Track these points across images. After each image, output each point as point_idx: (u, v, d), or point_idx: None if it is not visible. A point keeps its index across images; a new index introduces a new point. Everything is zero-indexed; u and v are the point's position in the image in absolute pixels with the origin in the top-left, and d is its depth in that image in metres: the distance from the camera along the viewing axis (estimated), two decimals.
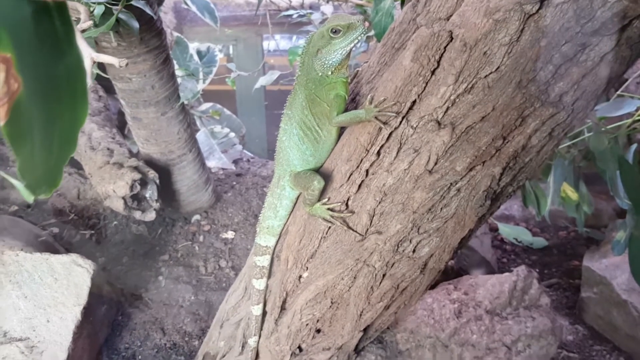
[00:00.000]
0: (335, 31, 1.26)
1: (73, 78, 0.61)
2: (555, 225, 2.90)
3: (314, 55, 1.30)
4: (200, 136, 3.89)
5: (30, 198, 0.79)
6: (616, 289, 2.22)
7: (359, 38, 1.26)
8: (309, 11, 3.41)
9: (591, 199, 2.01)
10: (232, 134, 4.08)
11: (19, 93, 0.53)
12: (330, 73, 1.30)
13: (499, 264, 2.66)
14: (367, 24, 1.25)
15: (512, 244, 2.82)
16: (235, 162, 3.99)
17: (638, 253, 1.60)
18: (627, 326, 2.25)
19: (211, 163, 3.79)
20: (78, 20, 1.28)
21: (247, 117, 5.27)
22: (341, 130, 1.39)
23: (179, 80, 2.83)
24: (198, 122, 4.08)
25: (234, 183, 3.47)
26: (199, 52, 3.74)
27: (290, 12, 3.43)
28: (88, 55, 0.96)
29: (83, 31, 1.20)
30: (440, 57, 1.15)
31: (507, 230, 2.77)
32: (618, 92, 1.78)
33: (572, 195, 1.85)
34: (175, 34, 3.83)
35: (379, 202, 1.32)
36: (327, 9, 3.32)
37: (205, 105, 4.19)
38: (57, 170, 0.70)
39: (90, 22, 1.22)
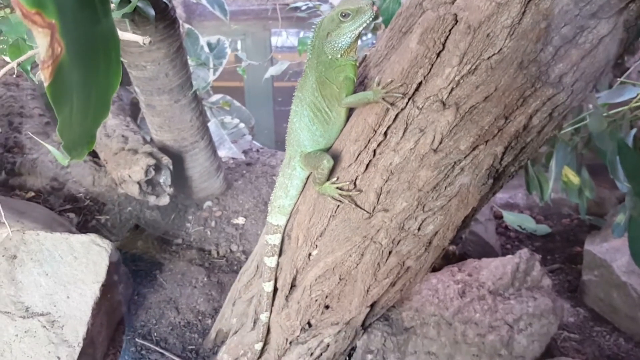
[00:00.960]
0: (344, 15, 1.30)
1: (108, 45, 0.67)
2: (558, 212, 2.94)
3: (324, 39, 1.34)
4: (211, 126, 3.93)
5: (65, 161, 0.85)
6: (616, 271, 2.26)
7: (368, 21, 1.29)
8: (318, 2, 3.44)
9: (593, 184, 2.04)
10: (242, 125, 4.13)
11: (62, 57, 0.58)
12: (339, 56, 1.34)
13: (502, 250, 2.70)
14: (375, 8, 1.29)
15: (516, 231, 2.86)
16: (245, 152, 4.04)
17: (637, 234, 1.63)
18: (626, 307, 2.29)
19: (222, 153, 3.84)
20: None
21: (256, 110, 5.30)
22: (350, 112, 1.43)
23: (191, 69, 2.88)
24: (209, 113, 4.12)
25: (244, 172, 3.52)
26: (209, 44, 3.78)
27: (299, 3, 3.47)
28: None
29: None
30: (445, 40, 1.19)
31: (511, 218, 2.81)
32: (620, 80, 1.81)
33: (574, 179, 1.89)
34: (187, 25, 3.88)
35: (386, 181, 1.36)
36: (336, 0, 3.35)
37: (216, 97, 4.23)
38: (92, 133, 0.75)
39: (112, 5, 1.27)
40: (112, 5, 1.29)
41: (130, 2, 1.68)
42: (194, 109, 2.74)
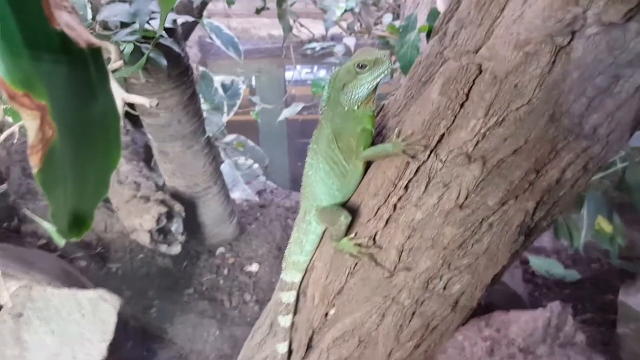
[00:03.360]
0: (361, 66, 1.25)
1: (106, 123, 0.61)
2: (587, 257, 2.82)
3: (340, 90, 1.29)
4: (225, 168, 3.92)
5: (61, 242, 0.78)
6: None
7: (385, 72, 1.25)
8: (332, 43, 3.45)
9: (624, 230, 1.94)
10: (256, 165, 4.11)
11: (53, 140, 0.53)
12: (356, 107, 1.29)
13: (530, 298, 2.58)
14: (393, 58, 1.25)
15: (543, 277, 2.74)
16: (259, 193, 4.01)
17: None
18: None
19: (235, 194, 3.81)
20: (108, 60, 1.31)
21: (271, 148, 5.31)
22: (368, 165, 1.37)
23: (204, 114, 2.87)
24: (222, 154, 4.12)
25: (258, 215, 3.47)
26: (223, 86, 3.81)
27: (314, 44, 3.48)
28: (119, 96, 0.97)
29: (114, 71, 1.22)
30: (469, 90, 1.13)
31: (538, 263, 2.70)
32: None
33: (607, 228, 1.80)
34: (201, 68, 3.91)
35: (408, 238, 1.29)
36: (350, 41, 3.35)
37: (230, 137, 4.23)
38: (89, 213, 0.69)
39: (121, 62, 1.25)
40: (121, 63, 1.26)
41: (143, 53, 1.66)
42: (207, 154, 2.71)
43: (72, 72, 0.56)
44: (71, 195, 0.61)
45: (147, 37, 1.57)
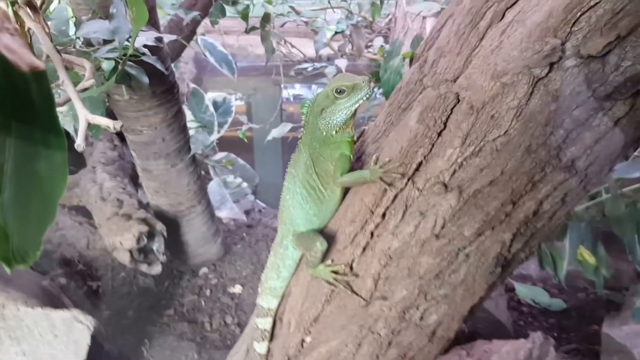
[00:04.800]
0: (339, 91, 1.24)
1: (51, 149, 0.59)
2: (573, 286, 2.79)
3: (318, 115, 1.28)
4: (213, 186, 3.88)
5: (8, 270, 0.75)
6: (637, 357, 2.10)
7: (364, 98, 1.24)
8: (323, 64, 3.45)
9: (610, 261, 1.92)
10: (245, 184, 4.08)
11: None
12: (334, 133, 1.28)
13: (515, 326, 2.55)
14: (372, 84, 1.23)
15: (529, 305, 2.71)
16: (247, 212, 3.97)
17: None
18: None
19: (222, 213, 3.77)
20: (83, 77, 1.29)
21: (264, 165, 5.29)
22: (346, 191, 1.36)
23: (191, 132, 2.85)
24: (212, 172, 4.09)
25: (244, 234, 3.43)
26: (214, 103, 3.78)
27: (305, 65, 3.48)
28: (83, 116, 0.96)
29: (85, 90, 1.20)
30: (446, 119, 1.12)
31: (524, 291, 2.67)
32: (636, 153, 1.72)
33: (590, 259, 1.78)
34: (192, 85, 3.90)
35: (384, 266, 1.27)
36: (341, 62, 3.35)
37: (220, 155, 4.20)
38: (35, 242, 0.67)
39: (93, 81, 1.23)
40: (92, 82, 1.24)
41: (124, 70, 1.64)
42: (192, 173, 2.68)
43: (11, 97, 0.54)
44: (14, 224, 0.59)
45: (131, 54, 1.56)
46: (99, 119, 0.96)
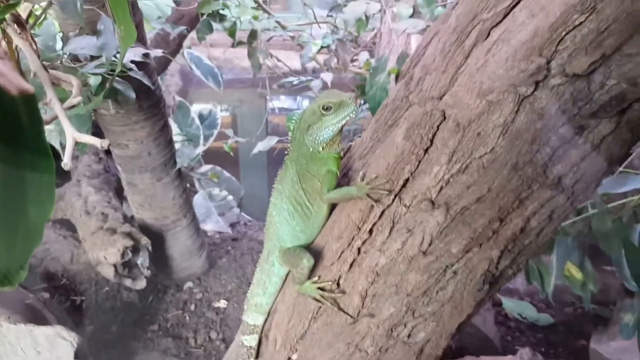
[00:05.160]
0: (326, 108, 1.25)
1: (39, 171, 0.58)
2: (561, 300, 2.80)
3: (305, 131, 1.28)
4: (198, 199, 3.85)
5: None
6: None
7: (351, 115, 1.24)
8: (309, 78, 3.46)
9: (597, 276, 1.93)
10: (230, 197, 4.05)
11: None
12: (321, 149, 1.28)
13: (502, 342, 2.55)
14: (359, 101, 1.24)
15: (516, 320, 2.71)
16: (233, 225, 3.94)
17: None
18: None
19: (207, 226, 3.74)
20: (70, 93, 1.28)
21: (249, 178, 5.27)
22: (332, 207, 1.36)
23: (177, 145, 2.83)
24: (197, 184, 4.06)
25: (229, 248, 3.41)
26: (200, 116, 3.76)
27: (291, 78, 3.49)
28: (70, 134, 0.94)
29: (72, 107, 1.19)
30: (433, 136, 1.12)
31: (511, 305, 2.67)
32: (621, 168, 1.74)
33: (577, 274, 1.78)
34: (178, 98, 3.88)
35: (372, 283, 1.26)
36: (327, 76, 3.36)
37: (205, 168, 4.17)
38: (21, 263, 0.66)
39: (80, 99, 1.22)
40: (80, 99, 1.23)
41: (111, 86, 1.63)
42: (177, 186, 2.66)
43: (0, 121, 0.53)
44: (0, 246, 0.58)
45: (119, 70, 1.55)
46: (87, 138, 0.94)
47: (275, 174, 1.41)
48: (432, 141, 1.12)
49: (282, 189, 1.36)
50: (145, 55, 1.89)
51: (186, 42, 3.42)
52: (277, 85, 3.81)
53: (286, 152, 1.37)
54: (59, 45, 1.84)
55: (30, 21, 1.20)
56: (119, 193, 3.30)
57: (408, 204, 1.17)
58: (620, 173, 1.75)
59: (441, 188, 1.13)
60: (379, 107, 1.44)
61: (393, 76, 1.69)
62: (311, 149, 1.29)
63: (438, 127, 1.11)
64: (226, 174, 4.16)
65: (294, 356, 1.46)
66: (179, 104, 3.59)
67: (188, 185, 3.52)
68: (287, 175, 1.35)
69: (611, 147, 1.06)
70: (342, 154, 1.36)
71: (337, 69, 3.37)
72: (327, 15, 3.07)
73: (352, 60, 3.26)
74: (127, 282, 2.51)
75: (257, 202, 4.92)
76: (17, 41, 1.07)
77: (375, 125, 1.39)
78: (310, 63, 3.20)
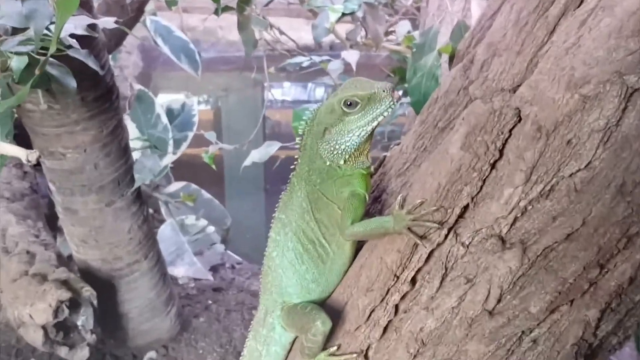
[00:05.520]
0: (350, 104, 1.27)
1: None
2: None
3: (320, 137, 1.31)
4: (165, 231, 3.91)
5: None
6: None
7: (384, 114, 1.27)
8: (325, 58, 3.49)
9: None
10: (211, 229, 4.10)
11: None
12: (342, 162, 1.31)
13: None
14: (398, 94, 1.26)
15: None
16: (214, 269, 3.98)
17: None
18: None
19: (179, 270, 3.79)
20: None
21: (239, 201, 5.31)
22: (358, 246, 1.38)
23: (135, 154, 2.87)
24: (163, 210, 4.11)
25: (210, 302, 3.44)
26: (169, 112, 3.79)
27: (298, 59, 3.51)
28: None
29: None
30: (503, 145, 1.14)
31: None
32: None
33: None
34: (137, 86, 3.92)
35: (414, 356, 1.28)
36: (351, 55, 3.38)
37: (176, 186, 4.22)
38: None
39: None
40: None
41: (41, 70, 1.66)
42: (135, 213, 2.70)
43: None
44: None
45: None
46: (7, 148, 0.97)
47: (276, 196, 1.43)
48: (501, 152, 1.14)
49: (286, 219, 1.38)
50: (92, 26, 1.92)
51: (149, 7, 3.45)
52: (278, 68, 3.86)
53: (292, 166, 1.39)
54: None
55: None
56: (52, 223, 3.34)
57: (467, 243, 1.19)
58: None
59: (515, 219, 1.14)
60: (426, 101, 1.46)
61: (446, 57, 1.71)
62: (328, 163, 1.31)
63: (510, 131, 1.13)
64: (206, 194, 4.21)
65: None
66: (138, 94, 3.62)
67: (151, 211, 3.56)
68: (294, 199, 1.37)
69: None
70: (372, 169, 1.38)
71: (365, 46, 3.41)
72: None
73: (387, 33, 3.28)
74: (62, 352, 2.54)
75: (249, 236, 4.95)
76: None
77: (420, 128, 1.42)
78: (327, 37, 3.23)
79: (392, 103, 1.26)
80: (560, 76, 1.08)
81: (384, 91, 1.26)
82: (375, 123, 1.28)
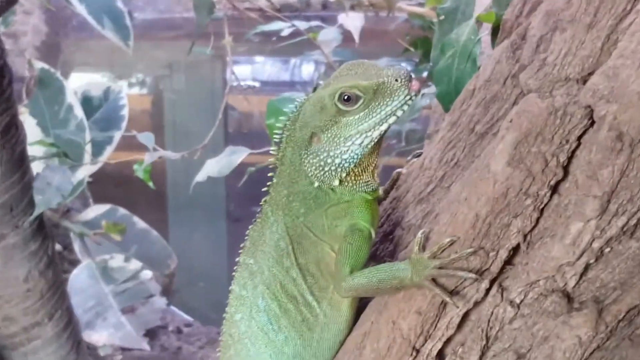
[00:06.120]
0: (348, 98, 1.28)
1: None
2: None
3: (304, 146, 1.33)
4: (80, 277, 3.90)
5: None
6: None
7: (398, 114, 1.28)
8: (314, 24, 3.49)
9: None
10: (148, 274, 4.09)
11: None
12: (337, 183, 1.32)
13: None
14: (416, 84, 1.27)
15: None
16: (152, 333, 3.99)
17: None
18: None
19: (98, 336, 3.78)
20: None
21: (188, 233, 5.28)
22: (360, 304, 1.40)
23: (36, 166, 2.87)
24: (77, 246, 4.10)
25: None
26: (86, 101, 3.79)
27: (276, 25, 3.51)
28: None
29: None
30: (569, 160, 1.15)
31: None
32: None
33: None
34: (39, 64, 3.91)
35: None
36: (352, 20, 3.38)
37: (95, 211, 4.21)
38: None
39: None
40: None
41: None
42: (36, 253, 2.71)
43: None
44: None
45: None
46: None
47: (243, 225, 1.44)
48: (566, 170, 1.15)
49: (255, 266, 1.40)
50: None
51: None
52: (246, 38, 3.85)
53: (266, 187, 1.41)
54: None
55: None
56: None
57: (518, 301, 1.20)
58: None
59: (586, 268, 1.16)
60: (459, 94, 1.48)
61: (488, 28, 1.71)
62: (317, 184, 1.33)
63: (579, 140, 1.14)
64: (140, 223, 4.21)
65: None
66: (40, 75, 3.62)
67: (59, 248, 3.55)
68: (267, 237, 1.39)
69: None
70: (381, 192, 1.39)
71: (371, 7, 3.42)
72: None
73: None
74: None
75: (204, 285, 4.94)
76: None
77: (449, 132, 1.43)
78: None
79: (408, 98, 1.27)
80: None
81: (396, 80, 1.27)
82: (383, 126, 1.29)
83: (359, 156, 1.30)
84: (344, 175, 1.32)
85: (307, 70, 6.84)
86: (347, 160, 1.30)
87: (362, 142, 1.29)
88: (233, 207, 5.58)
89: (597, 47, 1.20)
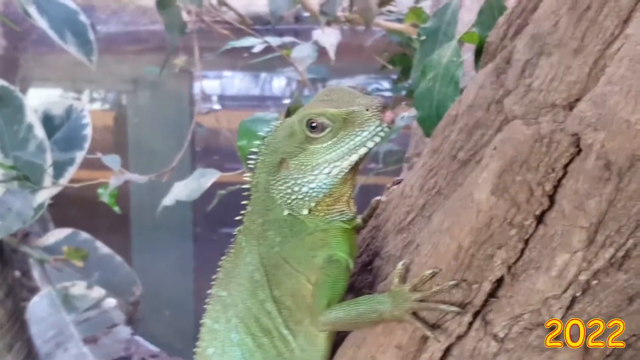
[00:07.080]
0: (315, 126, 1.29)
1: None
2: None
3: (274, 171, 1.34)
4: (40, 306, 3.87)
5: None
6: None
7: (369, 145, 1.29)
8: (288, 40, 3.49)
9: None
10: (112, 302, 4.07)
11: None
12: (305, 212, 1.33)
13: None
14: (389, 115, 1.27)
15: None
16: None
17: None
18: None
19: None
20: None
21: (154, 259, 5.25)
22: (337, 338, 1.40)
23: None
24: (36, 273, 4.08)
25: None
26: (47, 120, 3.77)
27: (246, 40, 3.50)
28: None
29: None
30: (554, 189, 1.16)
31: None
32: None
33: None
34: None
35: None
36: (328, 36, 3.39)
37: (56, 235, 4.18)
38: None
39: None
40: None
41: None
42: None
43: None
44: None
45: None
46: None
47: (213, 251, 1.44)
48: (552, 199, 1.16)
49: (228, 298, 1.40)
50: None
51: None
52: (216, 55, 3.85)
53: (239, 216, 1.41)
54: None
55: None
56: None
57: (502, 336, 1.21)
58: None
59: (573, 301, 1.17)
60: (441, 119, 1.48)
61: (469, 48, 1.72)
62: (286, 212, 1.34)
63: (566, 168, 1.15)
64: (103, 249, 4.19)
65: None
66: None
67: (17, 275, 3.53)
68: (241, 268, 1.39)
69: None
70: (359, 220, 1.39)
71: (348, 23, 3.43)
72: None
73: (382, 3, 3.28)
74: None
75: (170, 313, 4.91)
76: None
77: (431, 159, 1.43)
78: (292, 8, 3.24)
79: (379, 129, 1.28)
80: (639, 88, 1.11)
81: (368, 109, 1.28)
82: (353, 157, 1.30)
83: (328, 186, 1.31)
84: (312, 204, 1.32)
85: (278, 84, 6.80)
86: (315, 190, 1.31)
87: (330, 171, 1.30)
88: (200, 230, 5.55)
89: (585, 72, 1.21)
